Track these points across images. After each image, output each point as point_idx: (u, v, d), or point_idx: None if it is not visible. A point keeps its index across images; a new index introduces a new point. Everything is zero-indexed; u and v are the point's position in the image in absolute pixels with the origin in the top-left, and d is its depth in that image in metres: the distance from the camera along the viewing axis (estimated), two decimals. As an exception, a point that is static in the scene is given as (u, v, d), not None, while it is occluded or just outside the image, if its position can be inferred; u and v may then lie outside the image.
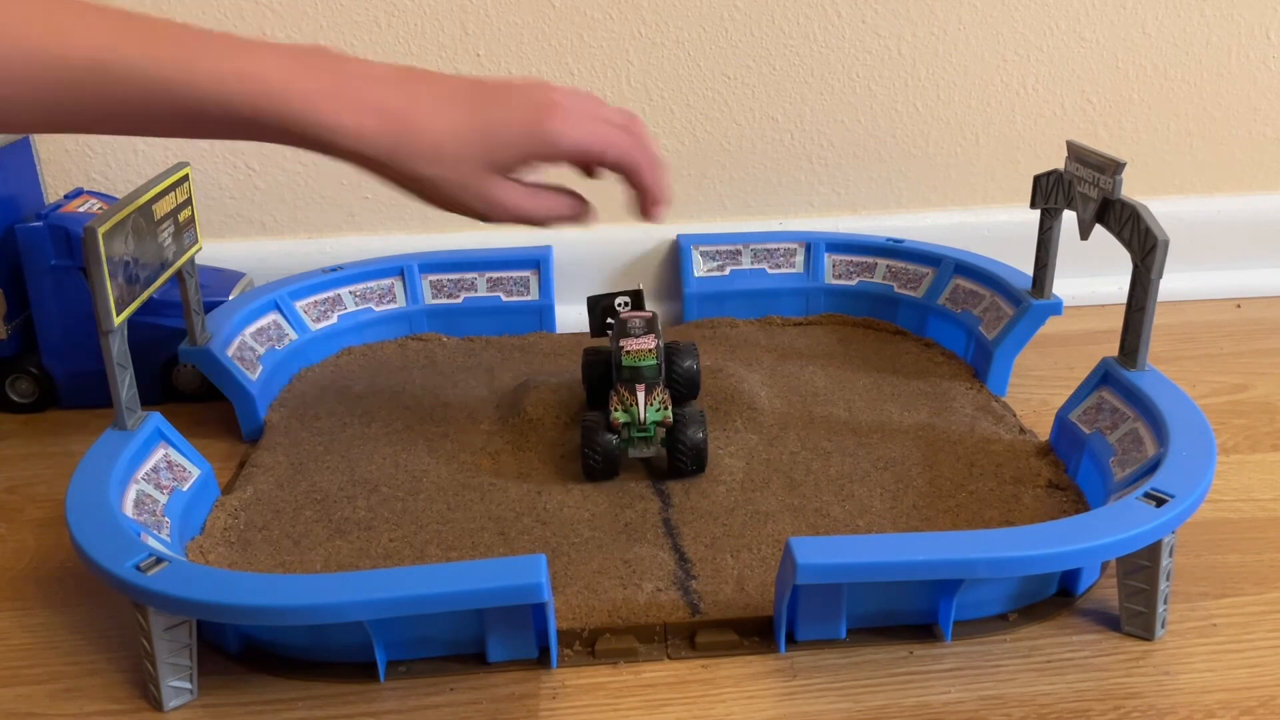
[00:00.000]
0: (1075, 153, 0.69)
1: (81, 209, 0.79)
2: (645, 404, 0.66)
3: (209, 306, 0.79)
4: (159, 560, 0.50)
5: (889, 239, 0.93)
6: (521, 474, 0.69)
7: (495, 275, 0.91)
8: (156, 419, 0.63)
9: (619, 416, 0.66)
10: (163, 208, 0.66)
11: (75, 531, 0.53)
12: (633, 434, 0.67)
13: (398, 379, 0.83)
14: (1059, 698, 0.51)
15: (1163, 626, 0.55)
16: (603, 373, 0.73)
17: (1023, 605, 0.57)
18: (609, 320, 0.74)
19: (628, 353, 0.67)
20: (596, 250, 0.96)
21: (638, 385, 0.67)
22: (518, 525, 0.64)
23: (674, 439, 0.67)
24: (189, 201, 0.71)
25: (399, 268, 0.90)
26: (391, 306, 0.90)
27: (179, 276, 0.72)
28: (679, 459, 0.67)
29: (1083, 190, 0.68)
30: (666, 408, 0.67)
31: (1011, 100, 0.97)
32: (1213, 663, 0.53)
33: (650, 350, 0.67)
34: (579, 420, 0.70)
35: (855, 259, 0.93)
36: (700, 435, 0.67)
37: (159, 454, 0.63)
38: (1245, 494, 0.68)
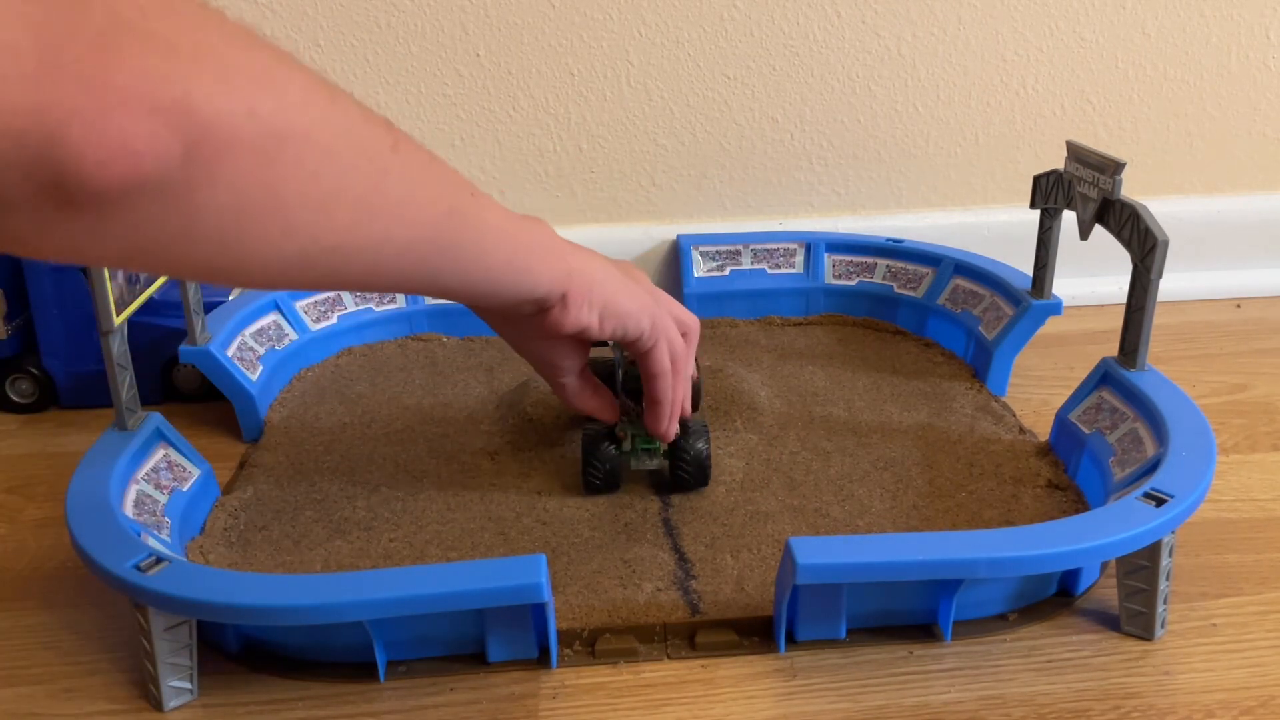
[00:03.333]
0: (1075, 153, 0.69)
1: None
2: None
3: (209, 306, 0.79)
4: (159, 560, 0.50)
5: (889, 239, 0.92)
6: (521, 474, 0.69)
7: (495, 275, 0.91)
8: (156, 419, 0.63)
9: (622, 428, 0.66)
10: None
11: (75, 531, 0.53)
12: (636, 445, 0.66)
13: (398, 379, 0.83)
14: (1059, 698, 0.51)
15: (1162, 626, 0.55)
16: (604, 381, 0.72)
17: (1022, 605, 0.57)
18: None
19: (631, 361, 0.67)
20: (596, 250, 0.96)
21: (641, 395, 0.66)
22: (518, 525, 0.64)
23: (676, 450, 0.66)
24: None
25: (399, 268, 0.90)
26: (392, 307, 0.90)
27: (179, 276, 0.72)
28: (681, 471, 0.66)
29: (1082, 190, 0.68)
30: None
31: (1011, 100, 0.97)
32: (1212, 663, 0.53)
33: None
34: (579, 421, 0.70)
35: (855, 259, 0.93)
36: (703, 447, 0.66)
37: (159, 454, 0.63)
38: (1245, 494, 0.68)
